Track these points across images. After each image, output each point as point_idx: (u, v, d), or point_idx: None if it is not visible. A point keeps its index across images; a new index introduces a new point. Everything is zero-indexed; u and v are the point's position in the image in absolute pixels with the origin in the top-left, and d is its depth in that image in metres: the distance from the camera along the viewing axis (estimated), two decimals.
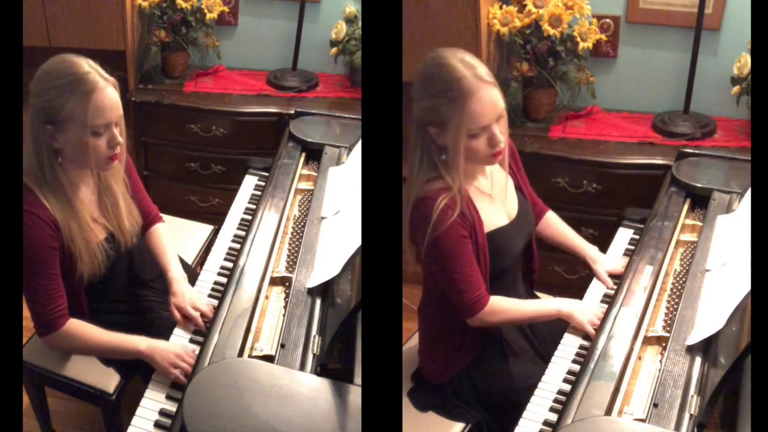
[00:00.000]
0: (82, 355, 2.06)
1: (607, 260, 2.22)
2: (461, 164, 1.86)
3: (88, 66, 1.84)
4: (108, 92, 1.83)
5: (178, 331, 2.00)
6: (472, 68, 1.80)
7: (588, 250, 2.24)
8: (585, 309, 2.01)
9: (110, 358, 2.04)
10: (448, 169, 1.87)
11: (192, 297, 2.03)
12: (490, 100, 1.79)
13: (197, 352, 1.84)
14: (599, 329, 1.90)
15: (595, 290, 2.15)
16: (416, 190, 1.89)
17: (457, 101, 1.78)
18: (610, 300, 2.02)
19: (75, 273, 1.93)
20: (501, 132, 1.83)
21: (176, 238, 2.45)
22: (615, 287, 2.13)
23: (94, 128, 1.82)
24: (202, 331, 1.96)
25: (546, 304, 2.03)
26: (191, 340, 1.97)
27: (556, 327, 2.03)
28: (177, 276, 2.10)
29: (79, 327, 1.94)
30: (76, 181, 1.94)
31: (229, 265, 2.17)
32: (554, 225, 2.26)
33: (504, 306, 1.95)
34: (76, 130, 1.82)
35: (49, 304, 1.88)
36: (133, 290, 2.16)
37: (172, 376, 1.86)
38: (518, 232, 2.02)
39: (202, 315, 2.00)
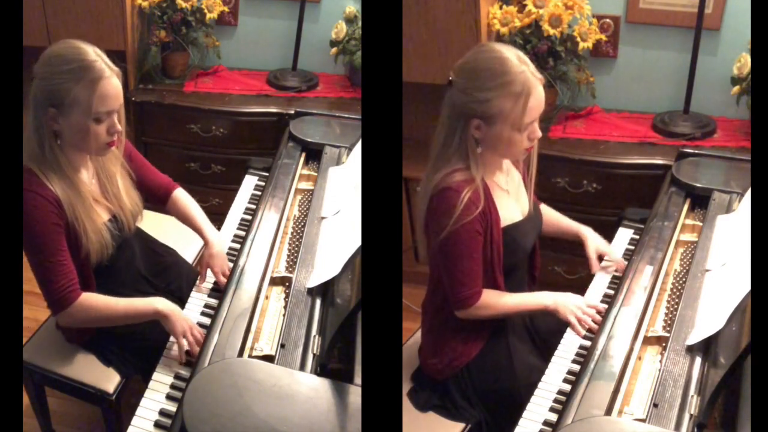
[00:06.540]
0: (99, 326, 2.06)
1: (600, 241, 2.21)
2: (489, 156, 1.90)
3: (94, 54, 1.87)
4: (113, 81, 1.86)
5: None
6: (526, 64, 1.82)
7: (581, 229, 2.24)
8: (568, 301, 2.01)
9: (127, 323, 2.03)
10: (476, 161, 1.88)
11: (225, 264, 2.15)
12: (542, 97, 1.84)
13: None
14: (599, 329, 1.90)
15: (595, 290, 2.15)
16: (438, 179, 1.89)
17: (520, 96, 1.79)
18: (610, 300, 2.02)
19: (81, 252, 1.93)
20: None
21: (176, 238, 2.46)
22: (601, 270, 2.17)
23: (97, 115, 1.85)
24: (221, 288, 2.03)
25: (532, 299, 2.03)
26: (202, 313, 2.03)
27: (558, 325, 2.02)
28: (215, 238, 2.19)
29: (92, 299, 1.95)
30: (75, 164, 1.96)
31: (229, 264, 2.16)
32: (546, 213, 2.25)
33: (492, 300, 1.97)
34: (79, 115, 1.84)
35: (60, 281, 1.89)
36: (135, 286, 2.16)
37: (179, 343, 1.90)
38: (530, 228, 2.04)
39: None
